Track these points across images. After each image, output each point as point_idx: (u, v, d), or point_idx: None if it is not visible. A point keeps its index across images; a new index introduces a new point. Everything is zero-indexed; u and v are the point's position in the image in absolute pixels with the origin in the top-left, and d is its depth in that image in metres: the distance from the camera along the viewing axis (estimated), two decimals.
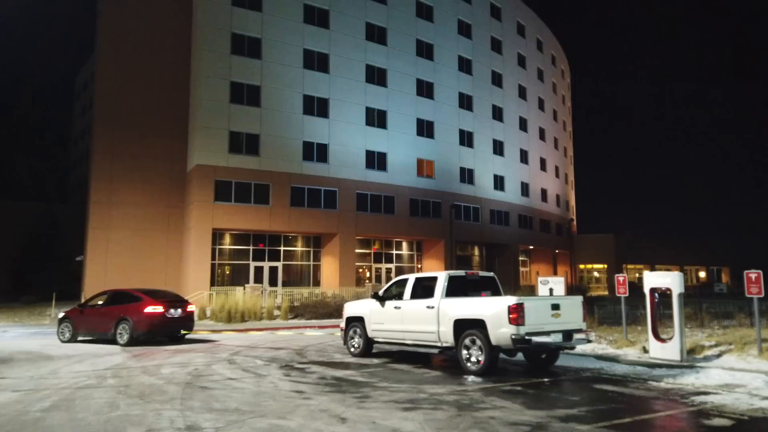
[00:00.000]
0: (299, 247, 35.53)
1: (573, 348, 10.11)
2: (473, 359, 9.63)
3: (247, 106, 32.00)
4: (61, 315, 17.29)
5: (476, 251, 46.93)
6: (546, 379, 9.38)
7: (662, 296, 12.36)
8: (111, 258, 30.88)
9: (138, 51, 32.43)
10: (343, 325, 12.90)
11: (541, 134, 53.73)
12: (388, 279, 36.74)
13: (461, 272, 11.33)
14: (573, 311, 9.90)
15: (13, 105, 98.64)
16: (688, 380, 9.05)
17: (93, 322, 16.39)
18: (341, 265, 34.27)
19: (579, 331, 9.88)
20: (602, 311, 20.34)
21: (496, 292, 11.20)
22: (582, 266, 61.05)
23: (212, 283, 30.65)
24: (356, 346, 12.34)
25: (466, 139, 42.91)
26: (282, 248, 34.53)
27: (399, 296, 11.58)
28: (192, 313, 16.66)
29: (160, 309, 15.65)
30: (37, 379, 9.64)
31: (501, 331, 9.14)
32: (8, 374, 10.34)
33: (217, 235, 31.81)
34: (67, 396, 8.06)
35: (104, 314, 16.18)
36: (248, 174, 31.61)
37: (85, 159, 42.10)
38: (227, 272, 32.86)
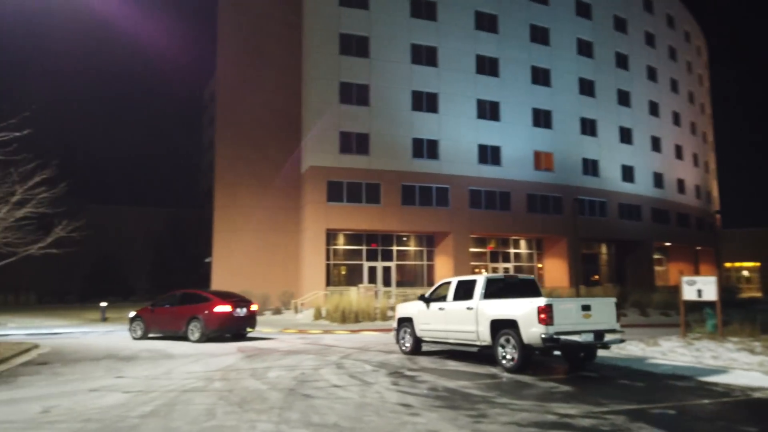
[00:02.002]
0: (412, 247, 34.89)
1: (607, 347, 10.49)
2: (508, 357, 10.21)
3: (356, 105, 31.99)
4: (132, 314, 18.11)
5: (603, 249, 43.33)
6: (707, 401, 7.66)
7: None
8: (235, 259, 32.28)
9: (253, 60, 33.68)
10: (395, 325, 13.72)
11: (675, 119, 48.45)
12: None
13: (500, 275, 12.41)
14: (605, 312, 10.23)
15: (148, 117, 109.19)
16: None
17: (164, 321, 17.15)
18: (455, 265, 33.05)
19: (612, 331, 10.13)
20: (763, 317, 17.29)
21: (536, 294, 11.54)
22: (728, 265, 54.27)
23: (327, 283, 30.93)
24: (406, 344, 13.16)
25: (588, 127, 39.73)
26: (395, 248, 34.11)
27: (443, 298, 12.25)
28: (255, 312, 17.32)
29: (228, 308, 16.26)
30: (150, 380, 9.70)
31: (532, 331, 9.66)
32: (127, 373, 10.58)
33: (330, 236, 32.10)
34: (171, 400, 7.85)
35: (175, 313, 16.88)
36: (359, 173, 31.56)
37: (213, 166, 44.85)
38: (342, 272, 33.07)
